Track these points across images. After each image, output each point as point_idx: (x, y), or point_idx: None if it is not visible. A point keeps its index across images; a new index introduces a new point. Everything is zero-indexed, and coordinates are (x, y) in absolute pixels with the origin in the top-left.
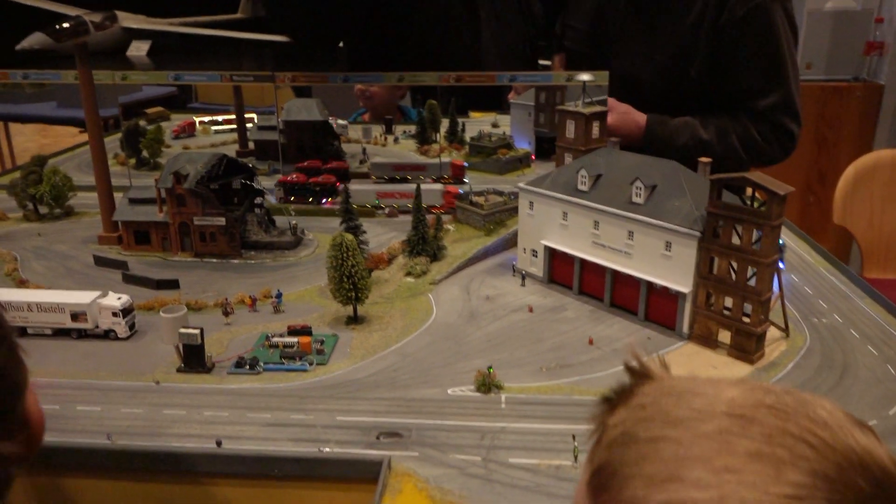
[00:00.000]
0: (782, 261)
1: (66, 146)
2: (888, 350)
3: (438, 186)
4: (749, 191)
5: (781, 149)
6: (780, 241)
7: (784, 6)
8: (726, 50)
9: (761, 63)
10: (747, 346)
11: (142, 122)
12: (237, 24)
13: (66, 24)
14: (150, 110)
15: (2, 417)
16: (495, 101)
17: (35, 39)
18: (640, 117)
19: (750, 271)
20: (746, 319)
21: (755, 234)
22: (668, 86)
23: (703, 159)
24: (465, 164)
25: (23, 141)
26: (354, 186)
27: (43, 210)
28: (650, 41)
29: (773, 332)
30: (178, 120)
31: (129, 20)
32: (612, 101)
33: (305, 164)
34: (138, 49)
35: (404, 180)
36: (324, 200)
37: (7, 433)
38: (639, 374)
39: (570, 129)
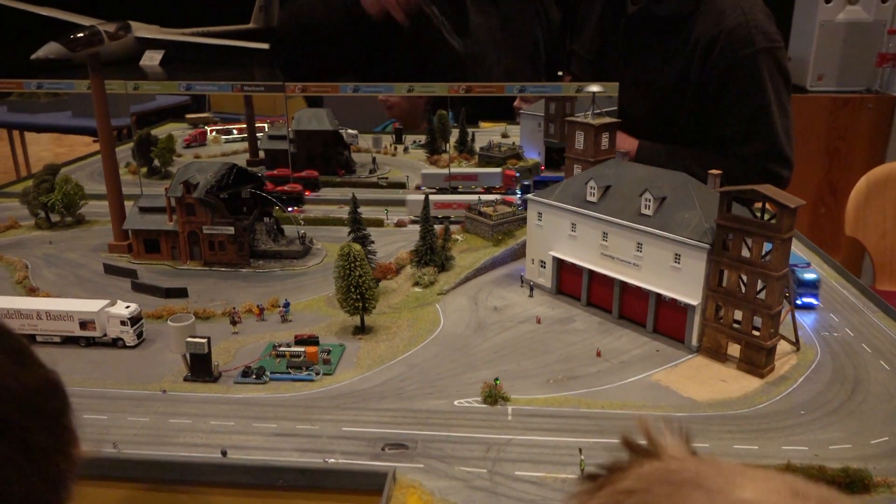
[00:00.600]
0: (817, 296)
1: (80, 155)
2: None
3: (493, 197)
4: (759, 203)
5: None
6: (816, 276)
7: (774, 55)
8: (711, 98)
9: (745, 112)
10: (757, 360)
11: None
12: (249, 34)
13: (80, 34)
14: (191, 115)
15: (59, 434)
16: (505, 111)
17: (50, 49)
18: (632, 142)
19: (760, 284)
20: (756, 333)
21: (765, 247)
22: (660, 124)
23: (713, 171)
24: (517, 173)
25: (38, 150)
26: (411, 197)
27: (54, 218)
28: (643, 82)
29: (783, 346)
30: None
31: (142, 30)
32: None
33: (276, 172)
34: (151, 59)
35: (454, 190)
36: (290, 208)
37: (64, 449)
38: (641, 453)
39: (580, 140)
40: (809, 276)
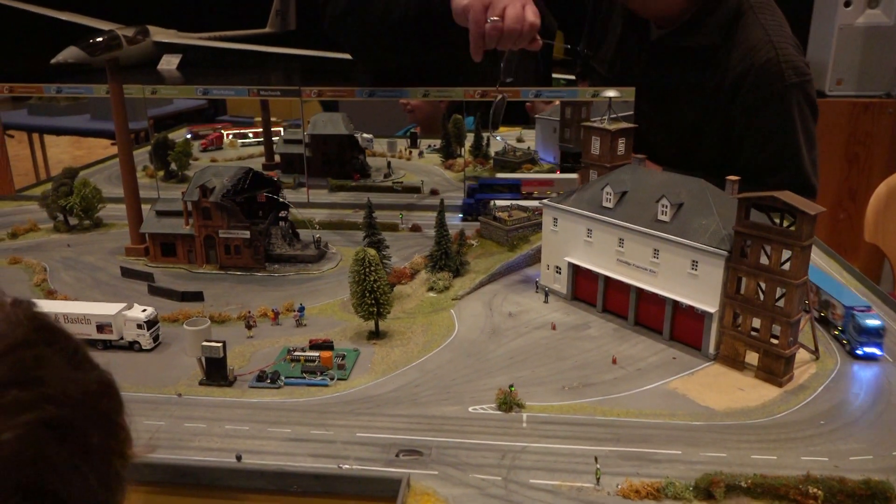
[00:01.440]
0: (881, 345)
1: (98, 158)
2: None
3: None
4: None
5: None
6: (880, 323)
7: (804, 90)
8: (738, 132)
9: (773, 146)
10: (775, 369)
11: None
12: (266, 38)
13: (99, 39)
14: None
15: (115, 434)
16: (519, 115)
17: (69, 53)
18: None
19: (779, 292)
20: (775, 341)
21: (784, 255)
22: (681, 153)
23: (731, 177)
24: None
25: (57, 153)
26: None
27: (73, 221)
28: (666, 111)
29: (802, 355)
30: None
31: (160, 35)
32: None
33: None
34: (169, 63)
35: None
36: None
37: (120, 450)
38: None
39: (596, 146)
40: (872, 322)
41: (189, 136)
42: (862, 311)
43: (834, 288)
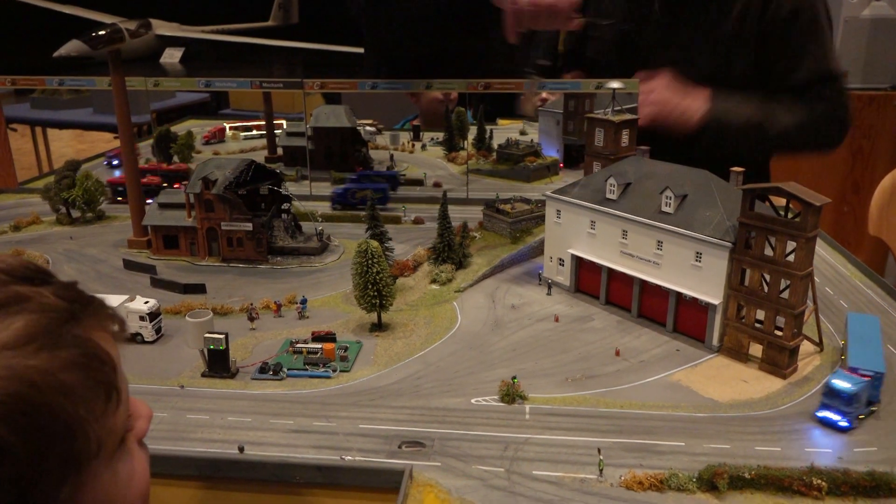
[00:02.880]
0: (847, 416)
1: (100, 151)
2: None
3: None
4: (784, 201)
5: (840, 128)
6: (850, 388)
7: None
8: (772, 48)
9: (810, 54)
10: (779, 360)
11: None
12: (268, 31)
13: (102, 32)
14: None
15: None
16: (517, 110)
17: (72, 47)
18: (703, 94)
19: (783, 283)
20: (779, 333)
21: (789, 246)
22: (716, 80)
23: (735, 168)
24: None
25: (60, 146)
26: None
27: (75, 214)
28: (688, 47)
29: (806, 346)
30: (209, 125)
31: (163, 28)
32: (662, 79)
33: (147, 165)
34: (171, 56)
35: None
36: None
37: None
38: None
39: (599, 138)
40: (841, 384)
41: (106, 162)
42: (850, 372)
43: (863, 348)
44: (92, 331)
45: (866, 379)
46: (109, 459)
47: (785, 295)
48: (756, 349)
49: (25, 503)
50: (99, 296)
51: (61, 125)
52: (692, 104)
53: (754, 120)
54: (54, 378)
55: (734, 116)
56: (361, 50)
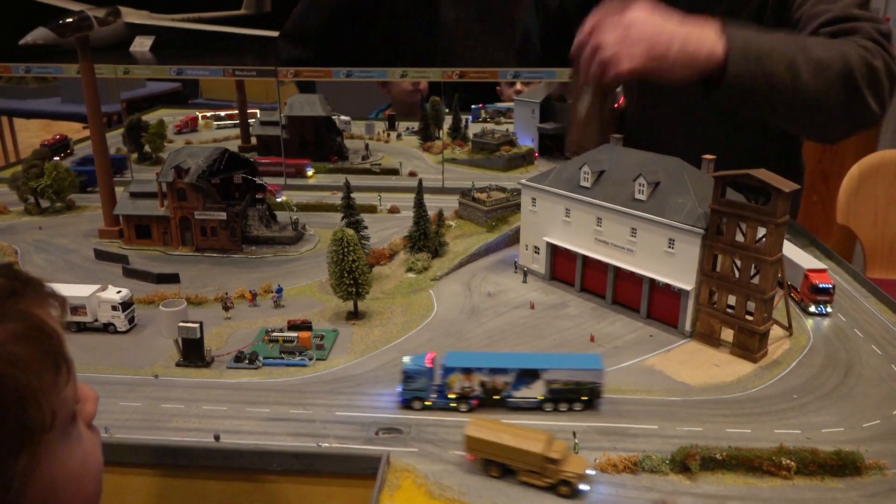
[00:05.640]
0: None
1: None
2: (892, 350)
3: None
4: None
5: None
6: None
7: None
8: None
9: None
10: (750, 345)
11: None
12: (241, 20)
13: (69, 20)
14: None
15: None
16: (499, 97)
17: (39, 34)
18: (710, 26)
19: (753, 269)
20: (749, 317)
21: (759, 232)
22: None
23: (707, 156)
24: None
25: (27, 136)
26: None
27: (44, 204)
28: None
29: (776, 331)
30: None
31: (132, 15)
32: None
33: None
34: (141, 44)
35: None
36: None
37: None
38: None
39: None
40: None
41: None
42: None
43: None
44: (34, 307)
45: (430, 366)
46: (62, 435)
47: (755, 280)
48: (727, 334)
49: None
50: (61, 285)
51: (28, 115)
52: (698, 32)
53: (787, 53)
54: (3, 349)
55: (758, 47)
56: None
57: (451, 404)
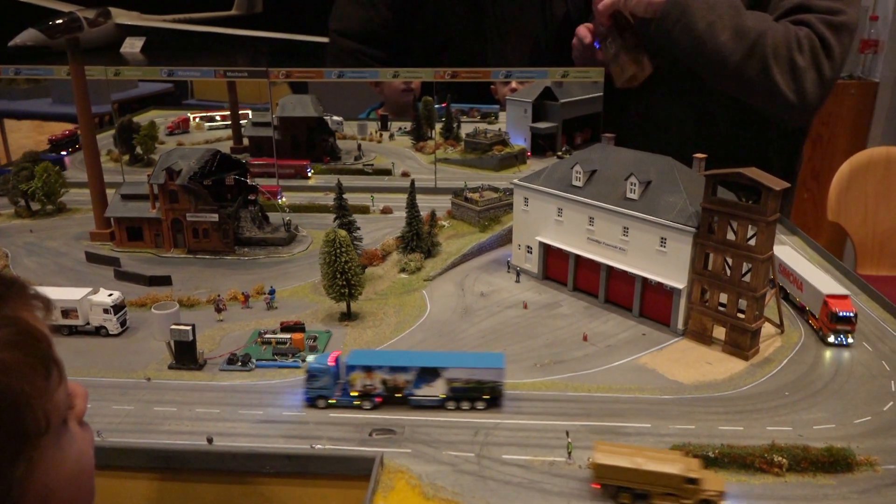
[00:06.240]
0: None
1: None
2: (883, 346)
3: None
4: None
5: (816, 82)
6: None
7: None
8: None
9: None
10: (742, 342)
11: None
12: (232, 21)
13: (59, 21)
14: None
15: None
16: (492, 98)
17: (28, 36)
18: None
19: (745, 267)
20: (741, 315)
21: (750, 230)
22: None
23: (698, 155)
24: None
25: (19, 137)
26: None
27: (35, 206)
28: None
29: (768, 328)
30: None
31: (123, 17)
32: None
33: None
34: (132, 45)
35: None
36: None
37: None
38: None
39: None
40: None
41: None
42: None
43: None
44: (20, 310)
45: (332, 364)
46: (57, 437)
47: (747, 278)
48: (719, 332)
49: None
50: (52, 288)
51: (19, 116)
52: None
53: (713, 13)
54: None
55: (688, 2)
56: (325, 39)
57: (355, 402)
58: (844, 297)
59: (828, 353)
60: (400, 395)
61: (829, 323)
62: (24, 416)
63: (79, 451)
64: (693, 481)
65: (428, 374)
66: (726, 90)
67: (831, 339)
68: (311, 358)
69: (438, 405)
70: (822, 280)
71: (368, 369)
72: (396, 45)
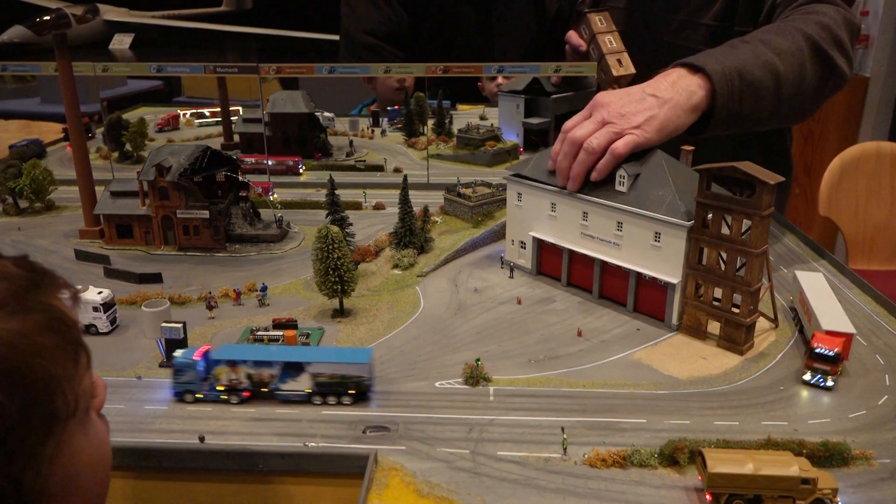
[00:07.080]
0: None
1: (49, 141)
2: (877, 340)
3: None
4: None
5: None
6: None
7: None
8: None
9: None
10: (736, 337)
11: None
12: (222, 17)
13: (46, 17)
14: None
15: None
16: (479, 94)
17: (14, 33)
18: (676, 74)
19: (739, 261)
20: (736, 310)
21: (745, 224)
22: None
23: (686, 147)
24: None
25: (7, 137)
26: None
27: (23, 204)
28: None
29: (762, 323)
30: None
31: (111, 13)
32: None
33: None
34: (121, 42)
35: None
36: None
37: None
38: None
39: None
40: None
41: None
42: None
43: None
44: (52, 298)
45: (198, 358)
46: (81, 422)
47: (741, 273)
48: (714, 327)
49: (14, 459)
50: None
51: (6, 115)
52: (677, 89)
53: (756, 57)
54: (31, 340)
55: (732, 64)
56: (316, 35)
57: (222, 396)
58: (840, 334)
59: None
60: (266, 389)
61: (807, 359)
62: (55, 397)
63: (99, 439)
64: (808, 482)
65: (292, 369)
66: (776, 123)
67: (807, 377)
68: (178, 353)
69: (305, 400)
70: (831, 315)
71: (233, 364)
72: (411, 45)
